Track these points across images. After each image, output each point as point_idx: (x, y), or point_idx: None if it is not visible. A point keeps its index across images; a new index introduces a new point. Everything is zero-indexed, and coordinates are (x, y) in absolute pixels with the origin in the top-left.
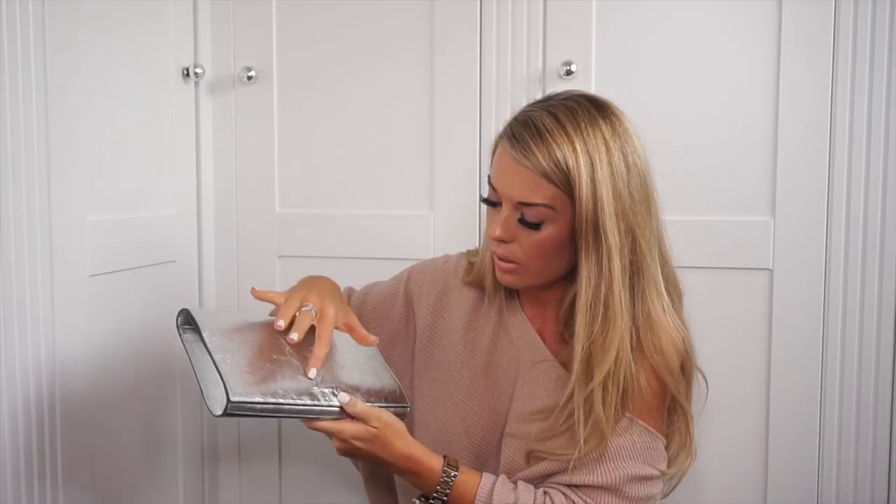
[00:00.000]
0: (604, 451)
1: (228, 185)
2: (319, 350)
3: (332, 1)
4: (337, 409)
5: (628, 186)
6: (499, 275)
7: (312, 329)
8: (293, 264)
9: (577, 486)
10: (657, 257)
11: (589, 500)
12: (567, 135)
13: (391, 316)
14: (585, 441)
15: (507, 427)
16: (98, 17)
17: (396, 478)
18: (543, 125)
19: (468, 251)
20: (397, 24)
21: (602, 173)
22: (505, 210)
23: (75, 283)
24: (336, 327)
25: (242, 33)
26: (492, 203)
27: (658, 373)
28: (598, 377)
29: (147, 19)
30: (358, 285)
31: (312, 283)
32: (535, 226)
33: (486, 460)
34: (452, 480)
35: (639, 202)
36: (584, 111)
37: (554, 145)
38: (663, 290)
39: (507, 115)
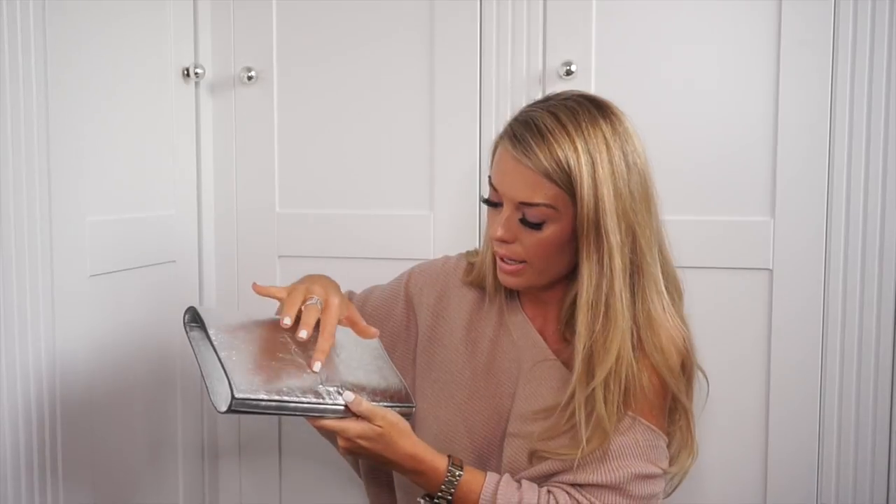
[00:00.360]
0: (607, 449)
1: (228, 185)
2: (323, 343)
3: (332, 1)
4: (342, 407)
5: (629, 185)
6: (501, 276)
7: (318, 323)
8: (293, 264)
9: (580, 485)
10: (657, 256)
11: (593, 499)
12: (568, 134)
13: (392, 317)
14: (588, 441)
15: (510, 427)
16: (98, 18)
17: (396, 477)
18: (545, 125)
19: (468, 252)
20: (397, 24)
21: (603, 172)
22: (506, 210)
23: (75, 283)
24: (339, 322)
25: (242, 33)
26: (493, 203)
27: (658, 371)
28: (600, 376)
29: (147, 19)
30: (358, 285)
31: (314, 278)
32: (537, 226)
33: (488, 460)
34: (457, 480)
35: (639, 201)
36: (584, 111)
37: (555, 145)
38: (663, 288)
39: (507, 116)
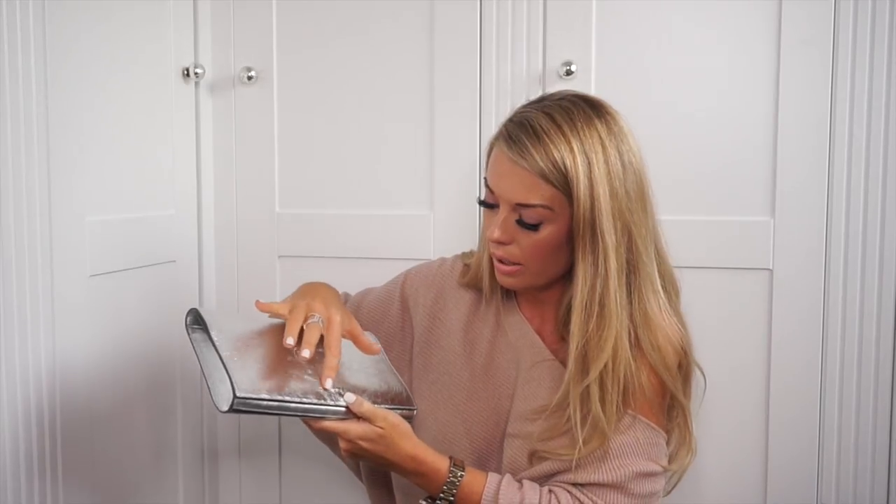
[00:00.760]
0: (608, 448)
1: (228, 185)
2: (331, 360)
3: (332, 1)
4: (343, 409)
5: (624, 185)
6: (499, 277)
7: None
8: (293, 264)
9: (582, 485)
10: (653, 255)
11: (595, 498)
12: (564, 135)
13: (387, 319)
14: (586, 441)
15: (509, 427)
16: (98, 18)
17: (395, 479)
18: (540, 125)
19: (463, 253)
20: (397, 24)
21: (599, 172)
22: (503, 212)
23: (75, 283)
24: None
25: (242, 33)
26: (489, 205)
27: (656, 370)
28: (594, 373)
29: (147, 19)
30: (358, 285)
31: (314, 291)
32: (534, 227)
33: (488, 461)
34: (459, 481)
35: (635, 201)
36: (579, 111)
37: (551, 145)
38: (660, 287)
39: (507, 116)
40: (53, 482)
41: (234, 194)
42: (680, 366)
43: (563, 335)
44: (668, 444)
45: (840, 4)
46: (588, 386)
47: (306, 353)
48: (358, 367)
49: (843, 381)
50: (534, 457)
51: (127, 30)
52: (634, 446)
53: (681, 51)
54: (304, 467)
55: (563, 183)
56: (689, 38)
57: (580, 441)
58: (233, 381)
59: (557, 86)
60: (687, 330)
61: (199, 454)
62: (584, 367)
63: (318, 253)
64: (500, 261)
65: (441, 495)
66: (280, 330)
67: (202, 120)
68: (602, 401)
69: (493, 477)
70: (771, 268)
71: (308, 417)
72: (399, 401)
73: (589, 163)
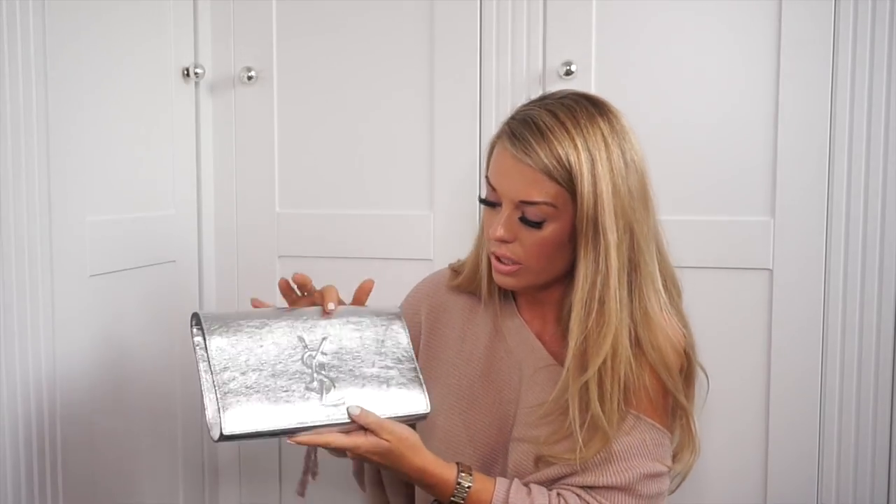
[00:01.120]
0: (614, 450)
1: (228, 185)
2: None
3: (332, 1)
4: (347, 421)
5: (627, 183)
6: (497, 277)
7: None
8: (293, 264)
9: (590, 487)
10: (654, 254)
11: (604, 501)
12: (567, 132)
13: None
14: (586, 442)
15: (514, 432)
16: (98, 17)
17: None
18: (543, 122)
19: (450, 265)
20: (397, 24)
21: (602, 170)
22: (505, 209)
23: (75, 283)
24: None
25: (242, 33)
26: (490, 203)
27: (655, 369)
28: (592, 370)
29: (147, 19)
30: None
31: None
32: (537, 224)
33: (492, 467)
34: (466, 492)
35: (637, 199)
36: (582, 109)
37: (555, 142)
38: (660, 286)
39: (507, 116)
40: (53, 485)
41: (234, 194)
42: (681, 368)
43: (565, 337)
44: (670, 443)
45: (840, 4)
46: (586, 384)
47: (331, 305)
48: (369, 373)
49: (842, 382)
50: (540, 461)
51: (127, 30)
52: (641, 447)
53: (681, 51)
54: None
55: (567, 180)
56: (689, 38)
57: (580, 441)
58: (222, 416)
59: (557, 86)
60: (690, 330)
61: (199, 454)
62: (582, 363)
63: (318, 253)
64: (500, 260)
65: (450, 502)
66: (286, 332)
67: (202, 120)
68: (601, 399)
69: (501, 483)
70: (771, 268)
71: (311, 431)
72: (409, 406)
73: (592, 160)
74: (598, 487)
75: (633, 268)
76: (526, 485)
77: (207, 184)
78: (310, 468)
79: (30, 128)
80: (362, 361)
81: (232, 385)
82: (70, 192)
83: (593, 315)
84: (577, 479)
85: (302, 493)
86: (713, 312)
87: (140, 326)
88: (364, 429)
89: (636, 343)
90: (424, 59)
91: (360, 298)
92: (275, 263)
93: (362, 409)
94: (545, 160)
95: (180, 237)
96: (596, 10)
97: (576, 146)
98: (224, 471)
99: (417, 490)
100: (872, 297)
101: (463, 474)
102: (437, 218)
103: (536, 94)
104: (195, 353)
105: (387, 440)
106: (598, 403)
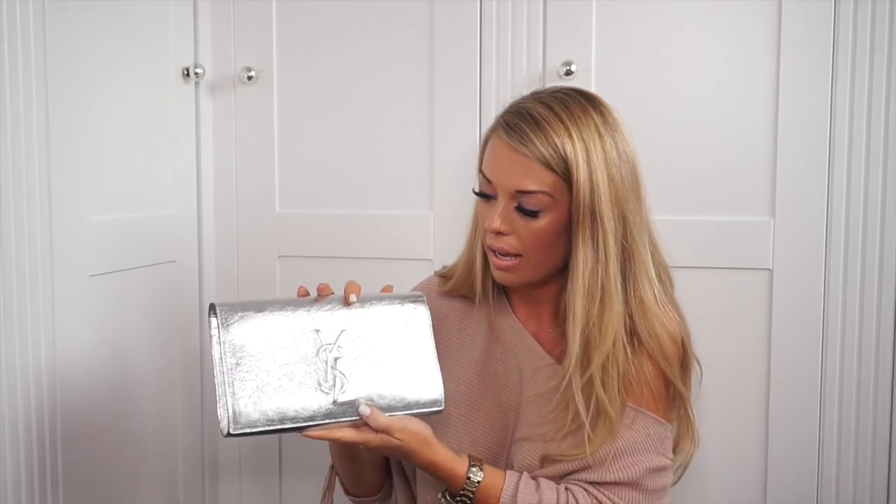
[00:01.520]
0: (619, 446)
1: (228, 185)
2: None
3: (332, 1)
4: (355, 419)
5: (620, 172)
6: (495, 273)
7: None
8: (293, 264)
9: (598, 483)
10: (647, 245)
11: (612, 497)
12: (562, 122)
13: None
14: (594, 430)
15: (518, 432)
16: (98, 17)
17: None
18: (539, 113)
19: (436, 272)
20: (397, 23)
21: (597, 159)
22: (501, 201)
23: (75, 283)
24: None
25: (242, 33)
26: (486, 196)
27: (654, 358)
28: (598, 361)
29: (147, 19)
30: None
31: None
32: (533, 214)
33: (496, 466)
34: (476, 486)
35: (630, 189)
36: (575, 102)
37: (551, 132)
38: (654, 276)
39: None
40: (54, 485)
41: (234, 194)
42: (678, 357)
43: (562, 336)
44: (672, 435)
45: (840, 4)
46: (591, 374)
47: (353, 297)
48: (386, 366)
49: (842, 381)
50: (546, 460)
51: (127, 30)
52: (645, 442)
53: (681, 51)
54: (304, 478)
55: (563, 169)
56: (689, 38)
57: (588, 428)
58: (232, 412)
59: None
60: (685, 320)
61: (199, 454)
62: (586, 353)
63: (318, 253)
64: (496, 254)
65: (459, 496)
66: (302, 324)
67: (202, 120)
68: (604, 385)
69: (511, 476)
70: (771, 268)
71: (321, 427)
72: (422, 403)
73: (587, 149)
74: (606, 483)
75: (626, 257)
76: (534, 479)
77: (207, 184)
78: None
79: (30, 128)
80: (381, 351)
81: (244, 380)
82: (70, 192)
83: (596, 303)
84: (585, 475)
85: None
86: (713, 312)
87: (140, 326)
88: None
89: (633, 332)
90: (424, 59)
91: None
92: (275, 263)
93: (373, 409)
94: (541, 149)
95: (180, 237)
96: (596, 10)
97: (570, 136)
98: (224, 466)
99: (418, 473)
100: (872, 297)
101: (473, 468)
102: (437, 218)
103: None
104: (211, 344)
105: (398, 438)
106: (602, 390)
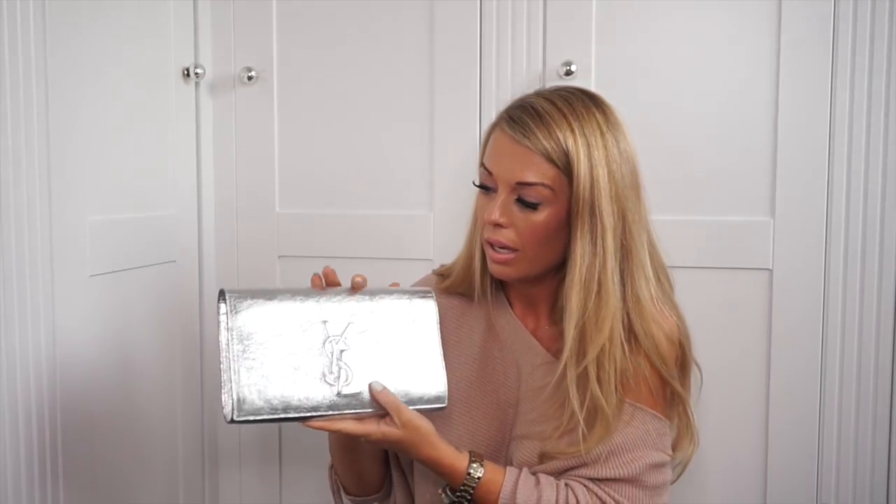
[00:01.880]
0: (618, 442)
1: (228, 185)
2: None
3: (332, 1)
4: (359, 410)
5: (621, 170)
6: (493, 267)
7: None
8: (293, 264)
9: (598, 479)
10: (645, 244)
11: (612, 493)
12: (565, 117)
13: None
14: (589, 426)
15: (516, 430)
16: (98, 17)
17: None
18: (542, 108)
19: (433, 270)
20: (397, 23)
21: (598, 155)
22: (501, 193)
23: (75, 283)
24: None
25: (242, 33)
26: (486, 188)
27: (650, 357)
28: (592, 353)
29: (147, 19)
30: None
31: None
32: (533, 206)
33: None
34: (476, 482)
35: (629, 188)
36: (577, 99)
37: (553, 126)
38: (651, 275)
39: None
40: (54, 485)
41: (234, 194)
42: (676, 357)
43: (559, 333)
44: (671, 432)
45: (840, 4)
46: (586, 368)
47: (360, 279)
48: (392, 361)
49: (843, 381)
50: (545, 457)
51: (127, 30)
52: (644, 438)
53: (681, 51)
54: (304, 469)
55: (564, 163)
56: (689, 38)
57: (582, 425)
58: (236, 399)
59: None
60: (684, 321)
61: (199, 454)
62: (581, 348)
63: (318, 253)
64: (494, 247)
65: (459, 492)
66: (308, 313)
67: (202, 120)
68: (598, 380)
69: (511, 472)
70: (771, 268)
71: (323, 418)
72: (426, 399)
73: (588, 144)
74: (605, 479)
75: (624, 254)
76: (534, 475)
77: (207, 184)
78: None
79: (30, 128)
80: (387, 346)
81: (250, 367)
82: (70, 192)
83: (593, 296)
84: (584, 472)
85: None
86: (713, 312)
87: (140, 326)
88: (377, 417)
89: (629, 329)
90: (424, 59)
91: None
92: (275, 263)
93: (384, 386)
94: (543, 142)
95: (180, 237)
96: (596, 10)
97: (573, 131)
98: (224, 471)
99: (416, 472)
100: (872, 297)
101: (474, 464)
102: (437, 218)
103: None
104: (218, 329)
105: (399, 430)
106: (597, 385)
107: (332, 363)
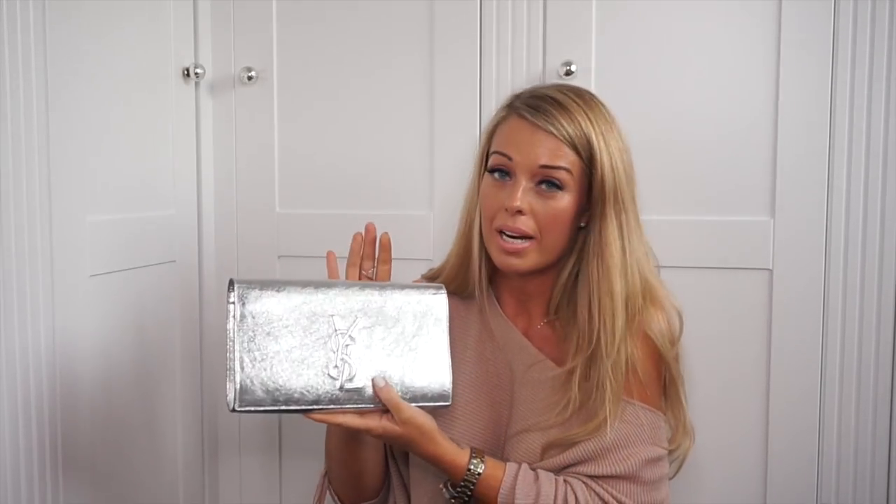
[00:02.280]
0: (613, 440)
1: (228, 185)
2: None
3: (333, 1)
4: (360, 405)
5: (629, 160)
6: (502, 258)
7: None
8: (293, 264)
9: (596, 476)
10: (643, 233)
11: (609, 489)
12: (580, 107)
13: None
14: (600, 402)
15: (512, 428)
16: (98, 17)
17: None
18: (560, 98)
19: (422, 275)
20: (397, 24)
21: (613, 145)
22: (521, 179)
23: (75, 283)
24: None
25: (242, 33)
26: (503, 172)
27: (655, 340)
28: (621, 332)
29: (147, 19)
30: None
31: None
32: (557, 189)
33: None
34: (476, 478)
35: (631, 178)
36: (584, 92)
37: (575, 114)
38: (651, 258)
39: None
40: (54, 484)
41: (234, 194)
42: (673, 339)
43: (552, 332)
44: (666, 425)
45: (840, 4)
46: (595, 352)
47: (368, 265)
48: (399, 360)
49: (843, 381)
50: (551, 448)
51: (127, 30)
52: (639, 433)
53: (681, 51)
54: (304, 461)
55: (585, 149)
56: (689, 38)
57: (608, 404)
58: (238, 389)
59: None
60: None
61: (199, 454)
62: (629, 323)
63: (318, 253)
64: (506, 238)
65: (460, 487)
66: (318, 309)
67: (202, 120)
68: (619, 359)
69: (510, 467)
70: (771, 268)
71: (324, 411)
72: (430, 396)
73: (603, 134)
74: (603, 476)
75: (637, 238)
76: (534, 470)
77: (207, 184)
78: None
79: (30, 128)
80: (393, 341)
81: (254, 358)
82: (70, 192)
83: (628, 279)
84: (581, 469)
85: None
86: (713, 312)
87: (140, 326)
88: (379, 412)
89: (632, 317)
90: (424, 59)
91: (385, 258)
92: (275, 263)
93: (387, 383)
94: (568, 128)
95: (180, 237)
96: (596, 11)
97: (590, 119)
98: (224, 470)
99: (413, 476)
100: (872, 297)
101: (475, 460)
102: (437, 218)
103: None
104: (227, 318)
105: (400, 427)
106: (621, 362)
107: (336, 357)
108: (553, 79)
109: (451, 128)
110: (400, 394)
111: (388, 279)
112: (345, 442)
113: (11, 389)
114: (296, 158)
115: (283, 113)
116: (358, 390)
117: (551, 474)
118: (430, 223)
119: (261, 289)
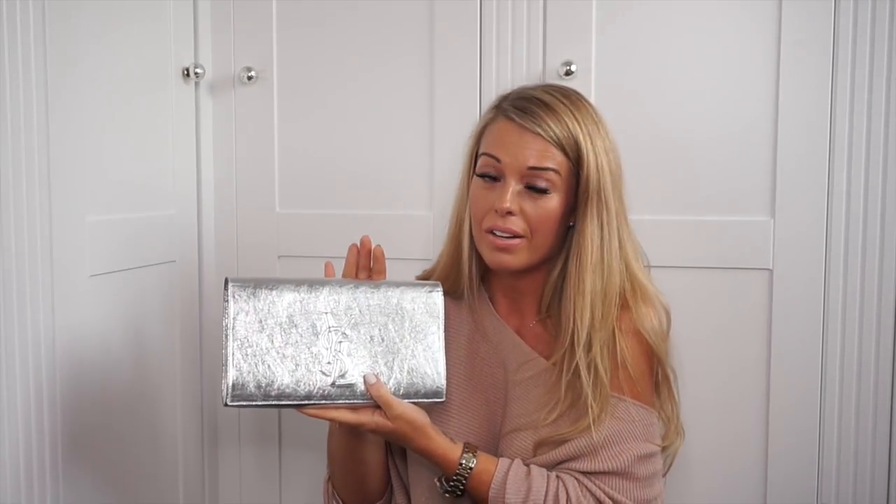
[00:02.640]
0: (605, 436)
1: (228, 185)
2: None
3: (333, 1)
4: (353, 401)
5: (616, 160)
6: (493, 255)
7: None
8: (293, 264)
9: (588, 473)
10: (632, 231)
11: (602, 486)
12: (567, 108)
13: None
14: (595, 401)
15: (506, 426)
16: (98, 17)
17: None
18: (546, 99)
19: (416, 277)
20: (397, 24)
21: (600, 146)
22: (510, 181)
23: (75, 283)
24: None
25: (242, 33)
26: (492, 177)
27: (646, 336)
28: (605, 332)
29: (147, 19)
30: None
31: None
32: (544, 191)
33: None
34: (468, 472)
35: (619, 178)
36: (571, 93)
37: (562, 115)
38: (641, 258)
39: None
40: (54, 484)
41: (234, 194)
42: (664, 335)
43: (544, 330)
44: (658, 421)
45: (840, 4)
46: (598, 346)
47: (366, 238)
48: (394, 356)
49: (843, 381)
50: (541, 445)
51: (127, 30)
52: (631, 429)
53: (681, 51)
54: (304, 455)
55: (573, 149)
56: (689, 38)
57: (591, 399)
58: (231, 384)
59: None
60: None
61: (199, 454)
62: (592, 328)
63: (318, 253)
64: (502, 233)
65: (453, 481)
66: (313, 305)
67: (202, 120)
68: (602, 358)
69: (503, 462)
70: (771, 268)
71: (318, 406)
72: (424, 393)
73: (591, 135)
74: (595, 473)
75: (622, 238)
76: (526, 465)
77: (207, 184)
78: None
79: (30, 128)
80: (387, 338)
81: (247, 354)
82: (70, 192)
83: (604, 278)
84: (574, 465)
85: None
86: (713, 312)
87: (140, 326)
88: (371, 407)
89: (624, 310)
90: (424, 59)
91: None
92: (275, 263)
93: (378, 379)
94: (555, 129)
95: (180, 237)
96: (596, 10)
97: (577, 121)
98: (224, 462)
99: (411, 475)
100: (872, 297)
101: (467, 454)
102: (437, 218)
103: None
104: (224, 315)
105: (392, 422)
106: (601, 362)
107: (329, 354)
108: (553, 79)
109: (451, 128)
110: (393, 390)
111: None
112: (346, 441)
113: (12, 389)
114: (296, 158)
115: (283, 113)
116: (350, 386)
117: (544, 470)
118: (429, 223)
119: (255, 287)
